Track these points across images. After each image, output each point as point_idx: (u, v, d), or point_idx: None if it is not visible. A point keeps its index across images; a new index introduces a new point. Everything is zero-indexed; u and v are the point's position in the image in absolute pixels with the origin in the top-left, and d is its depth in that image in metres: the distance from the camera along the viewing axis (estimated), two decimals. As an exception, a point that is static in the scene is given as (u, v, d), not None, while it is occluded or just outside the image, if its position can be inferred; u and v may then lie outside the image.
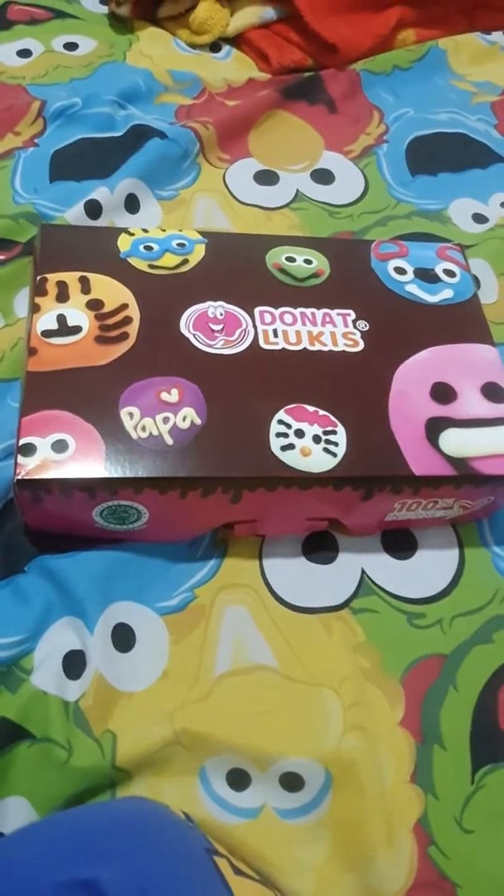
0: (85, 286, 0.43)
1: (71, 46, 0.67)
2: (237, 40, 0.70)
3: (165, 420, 0.38)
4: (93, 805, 0.34)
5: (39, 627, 0.38)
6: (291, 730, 0.37)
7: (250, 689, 0.38)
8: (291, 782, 0.36)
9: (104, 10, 0.71)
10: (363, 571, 0.43)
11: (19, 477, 0.36)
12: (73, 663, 0.37)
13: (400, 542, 0.44)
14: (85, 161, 0.58)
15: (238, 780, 0.36)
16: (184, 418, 0.39)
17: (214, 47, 0.70)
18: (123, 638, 0.38)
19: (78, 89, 0.63)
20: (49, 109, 0.60)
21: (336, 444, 0.39)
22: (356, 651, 0.40)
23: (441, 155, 0.65)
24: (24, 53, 0.65)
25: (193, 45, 0.69)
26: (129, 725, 0.36)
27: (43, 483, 0.36)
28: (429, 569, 0.43)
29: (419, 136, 0.66)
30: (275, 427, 0.39)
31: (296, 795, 0.36)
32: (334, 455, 0.39)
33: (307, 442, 0.39)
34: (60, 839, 0.30)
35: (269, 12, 0.69)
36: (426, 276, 0.48)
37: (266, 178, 0.61)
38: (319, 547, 0.43)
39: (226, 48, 0.70)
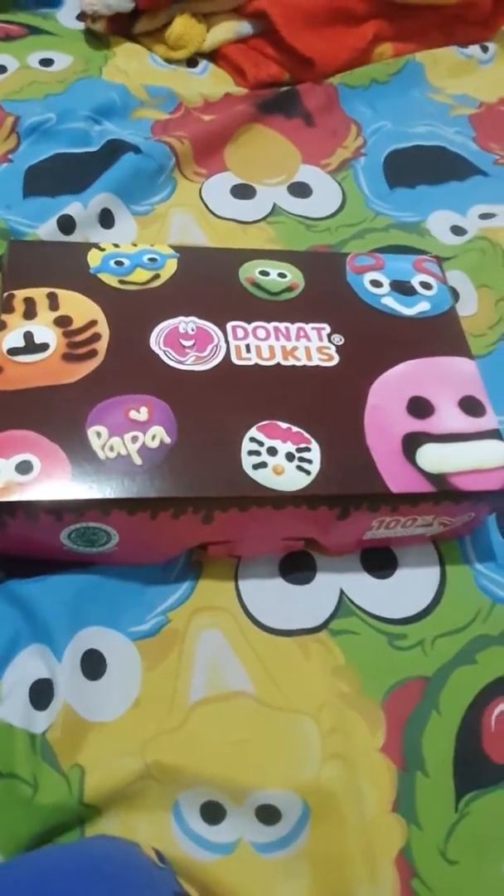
0: (53, 302, 0.42)
1: (46, 62, 0.66)
2: (214, 55, 0.70)
3: (134, 439, 0.37)
4: (57, 848, 0.32)
5: (5, 656, 0.37)
6: (268, 760, 0.36)
7: (226, 717, 0.37)
8: (268, 815, 0.34)
9: (80, 25, 0.70)
10: (342, 591, 0.42)
11: None
12: (41, 693, 0.36)
13: (380, 561, 0.43)
14: (59, 176, 0.57)
15: (212, 813, 0.34)
16: (153, 437, 0.38)
17: (191, 62, 0.70)
18: (93, 665, 0.37)
19: (53, 105, 0.62)
20: (23, 125, 0.60)
21: (310, 462, 0.38)
22: (335, 674, 0.39)
23: (419, 167, 0.65)
24: (-1, 69, 0.65)
25: (170, 61, 0.69)
26: (98, 758, 0.35)
27: (6, 506, 0.35)
28: (409, 588, 0.42)
29: (397, 148, 0.66)
30: (247, 445, 0.38)
31: (273, 829, 0.34)
32: (308, 473, 0.38)
33: (280, 460, 0.38)
34: (22, 882, 0.28)
35: (245, 27, 0.69)
36: (402, 288, 0.47)
37: (243, 191, 0.60)
38: (297, 567, 0.42)
39: (202, 63, 0.70)
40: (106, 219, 0.56)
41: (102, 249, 0.46)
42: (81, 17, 0.70)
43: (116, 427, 0.38)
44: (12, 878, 0.28)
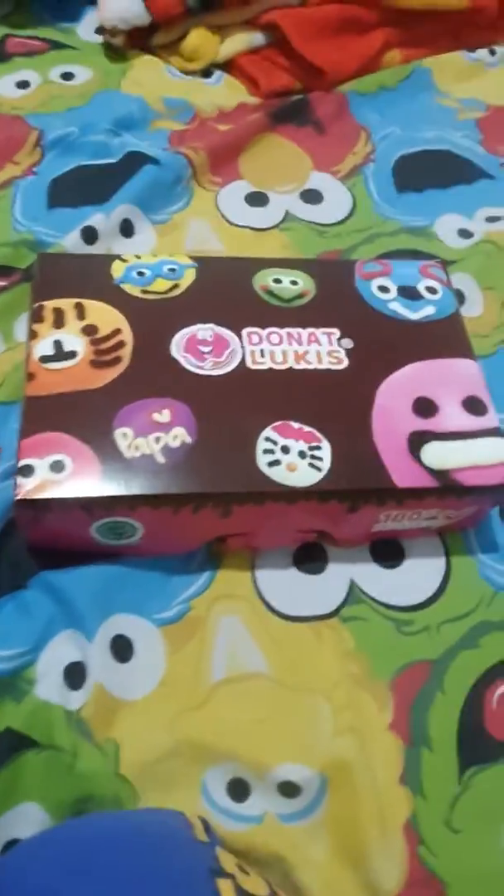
0: (80, 312, 0.45)
1: (67, 76, 0.69)
2: (228, 65, 0.73)
3: (157, 440, 0.40)
4: (101, 818, 0.35)
5: (41, 640, 0.40)
6: (285, 736, 0.38)
7: (245, 697, 0.40)
8: (289, 790, 0.37)
9: (99, 38, 0.73)
10: (352, 581, 0.44)
11: (19, 497, 0.38)
12: (74, 674, 0.39)
13: (388, 552, 0.46)
14: (81, 188, 0.60)
15: (238, 790, 0.37)
16: (175, 437, 0.40)
17: (206, 73, 0.72)
18: (122, 649, 0.40)
19: (74, 118, 0.65)
20: (47, 139, 0.63)
21: (321, 460, 0.41)
22: (346, 658, 0.42)
23: (427, 172, 0.67)
24: (23, 85, 0.68)
25: (185, 72, 0.71)
26: (130, 733, 0.38)
27: (42, 502, 0.38)
28: (416, 577, 0.45)
29: (405, 153, 0.68)
30: (262, 444, 0.41)
31: (294, 801, 0.37)
32: (319, 470, 0.40)
33: (293, 458, 0.41)
34: (65, 854, 0.31)
35: (257, 38, 0.72)
36: (409, 293, 0.49)
37: (257, 199, 0.63)
38: (310, 558, 0.45)
39: (217, 73, 0.72)
40: (126, 228, 0.58)
41: (125, 261, 0.48)
42: (100, 30, 0.73)
43: (141, 428, 0.40)
44: (60, 840, 0.31)
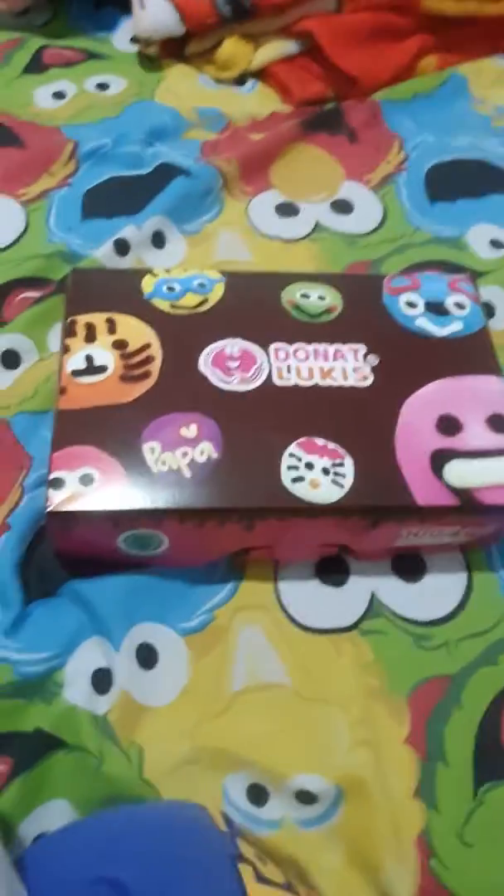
0: (111, 327, 0.46)
1: (102, 86, 0.70)
2: (261, 73, 0.73)
3: (184, 454, 0.41)
4: (128, 808, 0.37)
5: (70, 645, 0.41)
6: (303, 747, 0.39)
7: (264, 707, 0.41)
8: (306, 798, 0.38)
9: (133, 48, 0.74)
10: (373, 594, 0.45)
11: (49, 510, 0.39)
12: (101, 680, 0.40)
13: (409, 566, 0.46)
14: (114, 199, 0.62)
15: (257, 795, 0.39)
16: (201, 452, 0.41)
17: (239, 80, 0.73)
18: (147, 657, 0.42)
19: (109, 128, 0.66)
20: (81, 150, 0.64)
21: (343, 476, 0.41)
22: (364, 670, 0.42)
23: (460, 181, 0.67)
24: (59, 95, 0.69)
25: (219, 80, 0.72)
26: (153, 738, 0.39)
27: (71, 514, 0.40)
28: (437, 592, 0.45)
29: (438, 162, 0.68)
30: (286, 460, 0.42)
31: (311, 808, 0.38)
32: (341, 486, 0.41)
33: (316, 474, 0.41)
34: (94, 840, 0.33)
35: (291, 46, 0.72)
36: (436, 309, 0.50)
37: (287, 209, 0.64)
38: (332, 570, 0.46)
39: (250, 82, 0.73)
40: (158, 240, 0.59)
41: (155, 275, 0.50)
42: (135, 40, 0.74)
43: (168, 443, 0.42)
44: (89, 827, 0.33)
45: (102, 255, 0.57)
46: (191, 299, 0.48)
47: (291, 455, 0.42)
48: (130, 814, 0.36)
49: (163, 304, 0.48)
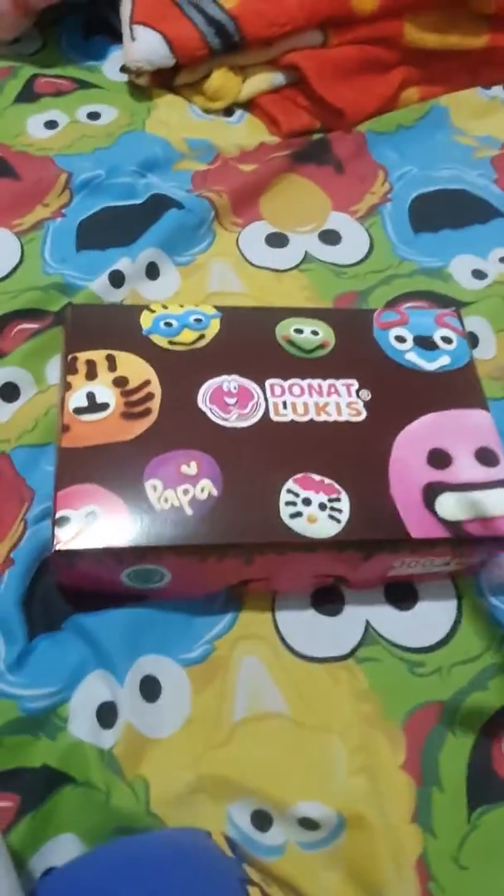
0: (111, 364, 0.47)
1: (94, 116, 0.71)
2: (249, 104, 0.75)
3: (185, 492, 0.43)
4: (135, 839, 0.38)
5: (74, 679, 0.42)
6: (303, 775, 0.41)
7: (265, 736, 0.42)
8: (309, 824, 0.40)
9: (124, 77, 0.75)
10: (368, 622, 0.46)
11: (56, 548, 0.40)
12: (106, 713, 0.41)
13: (402, 595, 0.48)
14: (108, 230, 0.63)
15: (261, 821, 0.40)
16: (202, 490, 0.43)
17: (227, 111, 0.74)
18: (150, 689, 0.43)
19: (101, 159, 0.67)
20: (75, 181, 0.65)
21: (340, 511, 0.43)
22: (360, 698, 0.44)
23: (442, 212, 0.69)
24: (51, 125, 0.70)
25: (208, 111, 0.74)
26: (158, 770, 0.40)
27: (77, 552, 0.40)
28: (429, 619, 0.47)
29: (422, 193, 0.70)
30: (284, 496, 0.43)
31: (314, 833, 0.40)
32: (338, 521, 0.43)
33: (313, 509, 0.43)
34: (103, 871, 0.34)
35: (278, 78, 0.74)
36: (425, 343, 0.51)
37: (276, 240, 0.65)
38: (327, 600, 0.47)
39: (238, 112, 0.74)
40: (151, 271, 0.61)
41: (153, 311, 0.51)
42: (125, 70, 0.75)
43: (170, 480, 0.43)
44: (95, 862, 0.34)
45: (98, 286, 0.58)
46: (188, 335, 0.50)
47: (289, 491, 0.43)
48: (138, 843, 0.37)
49: (161, 341, 0.49)
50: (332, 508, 0.43)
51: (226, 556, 0.42)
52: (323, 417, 0.47)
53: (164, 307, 0.51)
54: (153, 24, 0.70)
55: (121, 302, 0.58)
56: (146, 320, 0.50)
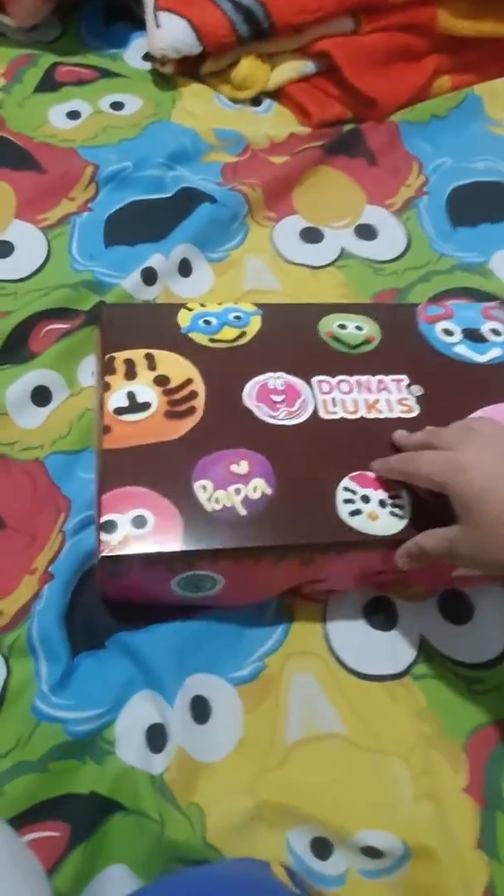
0: (151, 363, 0.45)
1: (117, 106, 0.69)
2: (277, 93, 0.72)
3: (237, 491, 0.40)
4: (192, 871, 0.36)
5: (119, 700, 0.40)
6: (366, 801, 0.39)
7: (322, 758, 0.40)
8: (372, 853, 0.38)
9: (146, 66, 0.72)
10: (422, 636, 0.44)
11: (104, 554, 0.38)
12: (155, 736, 0.39)
13: (456, 608, 0.46)
14: (137, 225, 0.60)
15: (321, 849, 0.38)
16: (254, 489, 0.40)
17: (255, 101, 0.72)
18: (200, 709, 0.41)
19: (127, 150, 0.65)
20: (101, 174, 0.62)
21: (402, 508, 0.41)
22: (419, 717, 0.42)
23: (480, 205, 0.66)
24: (74, 115, 0.67)
25: (235, 100, 0.71)
26: (212, 797, 0.38)
27: (125, 558, 0.38)
28: (485, 633, 0.45)
29: (458, 186, 0.68)
30: (341, 494, 0.41)
31: (377, 861, 0.38)
32: (401, 518, 0.40)
33: (374, 507, 0.41)
34: None
35: (308, 66, 0.71)
36: (473, 336, 0.49)
37: (311, 235, 0.63)
38: (380, 612, 0.45)
39: (266, 102, 0.72)
40: (184, 268, 0.58)
41: (191, 309, 0.48)
42: (148, 57, 0.72)
43: (220, 481, 0.40)
44: (162, 891, 0.32)
45: (129, 284, 0.55)
46: (229, 332, 0.47)
47: (346, 489, 0.41)
48: (197, 877, 0.35)
49: (201, 339, 0.47)
50: (394, 505, 0.41)
51: (284, 557, 0.40)
52: (374, 415, 0.44)
53: (202, 305, 0.49)
54: (179, 11, 0.68)
55: (153, 300, 0.56)
56: (184, 319, 0.48)
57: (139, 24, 0.73)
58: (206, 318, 0.48)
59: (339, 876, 0.38)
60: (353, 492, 0.41)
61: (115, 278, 0.56)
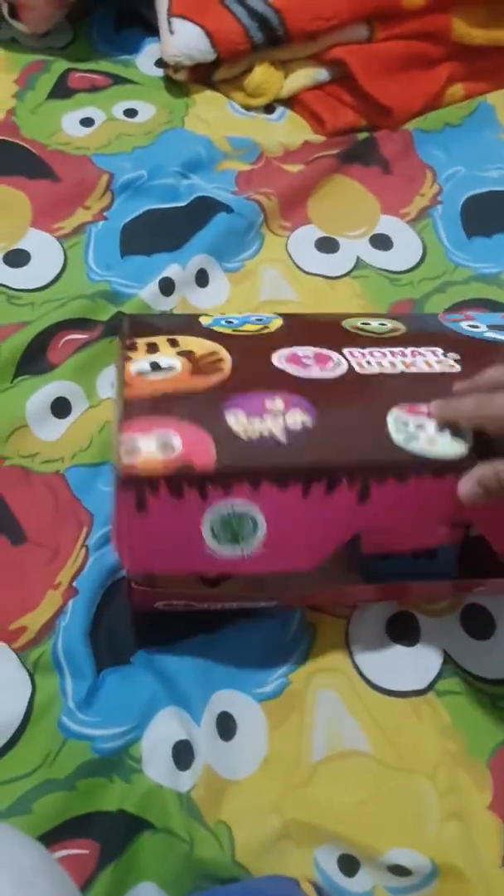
0: (174, 343, 0.42)
1: (131, 113, 0.69)
2: (290, 101, 0.72)
3: (275, 419, 0.36)
4: (222, 890, 0.36)
5: (145, 717, 0.40)
6: (393, 820, 0.39)
7: (347, 776, 0.40)
8: (399, 871, 0.38)
9: (159, 72, 0.72)
10: (445, 653, 0.44)
11: (126, 474, 0.33)
12: (182, 753, 0.39)
13: (479, 622, 0.46)
14: (152, 234, 0.60)
15: (348, 866, 0.38)
16: (294, 420, 0.36)
17: (268, 108, 0.71)
18: (226, 726, 0.40)
19: (141, 158, 0.64)
20: (116, 182, 0.62)
21: (463, 433, 0.36)
22: (443, 734, 0.42)
23: (495, 215, 0.66)
24: (87, 122, 0.67)
25: (248, 108, 0.71)
26: (239, 815, 0.38)
27: (150, 482, 0.33)
28: (508, 648, 0.45)
29: (473, 195, 0.67)
30: (392, 422, 0.37)
31: (404, 879, 0.38)
32: (464, 441, 0.36)
33: (430, 433, 0.36)
34: None
35: (322, 73, 0.71)
36: (501, 329, 0.48)
37: (327, 245, 0.63)
38: (402, 627, 0.45)
39: (279, 109, 0.71)
40: (201, 278, 0.58)
41: (211, 316, 0.48)
42: (161, 64, 0.72)
43: (255, 412, 0.36)
44: None
45: (147, 294, 0.55)
46: (251, 327, 0.46)
47: (397, 420, 0.37)
48: (228, 893, 0.35)
49: (224, 330, 0.44)
50: (454, 434, 0.36)
51: (335, 483, 0.35)
52: (414, 370, 0.41)
53: (222, 314, 0.48)
54: (193, 17, 0.67)
55: (170, 311, 0.56)
56: (205, 320, 0.46)
57: (150, 31, 0.73)
58: (228, 319, 0.47)
59: (366, 893, 0.38)
60: (405, 422, 0.37)
61: (132, 288, 0.56)
